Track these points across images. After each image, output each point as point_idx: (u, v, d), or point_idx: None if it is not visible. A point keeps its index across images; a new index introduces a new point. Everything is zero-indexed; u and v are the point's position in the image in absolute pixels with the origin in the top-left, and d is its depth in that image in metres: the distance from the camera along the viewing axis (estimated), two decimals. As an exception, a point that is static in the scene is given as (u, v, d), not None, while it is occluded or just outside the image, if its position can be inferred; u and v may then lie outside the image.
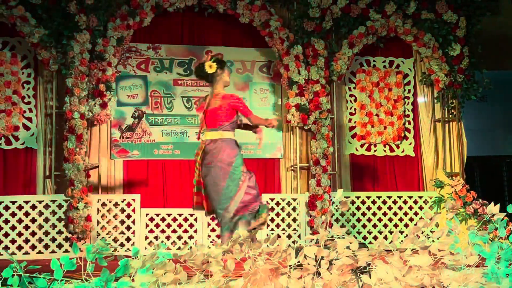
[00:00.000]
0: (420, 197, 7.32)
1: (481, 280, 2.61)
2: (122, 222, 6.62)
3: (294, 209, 6.99)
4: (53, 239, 6.44)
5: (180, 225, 6.78)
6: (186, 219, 6.80)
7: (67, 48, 6.46)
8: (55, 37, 6.48)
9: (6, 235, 6.31)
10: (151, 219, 6.72)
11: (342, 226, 7.12)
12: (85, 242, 6.34)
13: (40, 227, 6.42)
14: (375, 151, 7.59)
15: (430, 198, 7.28)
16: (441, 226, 6.94)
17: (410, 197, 7.29)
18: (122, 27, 6.71)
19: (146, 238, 6.64)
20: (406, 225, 7.18)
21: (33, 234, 6.38)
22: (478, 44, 7.51)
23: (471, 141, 7.82)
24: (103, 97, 6.60)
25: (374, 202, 7.19)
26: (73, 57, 6.45)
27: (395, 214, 7.23)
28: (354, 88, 7.62)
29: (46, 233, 6.43)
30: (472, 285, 2.58)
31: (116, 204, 6.62)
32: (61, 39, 6.49)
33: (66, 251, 6.36)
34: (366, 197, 7.20)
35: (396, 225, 7.22)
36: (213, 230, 6.82)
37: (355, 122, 7.57)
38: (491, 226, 3.30)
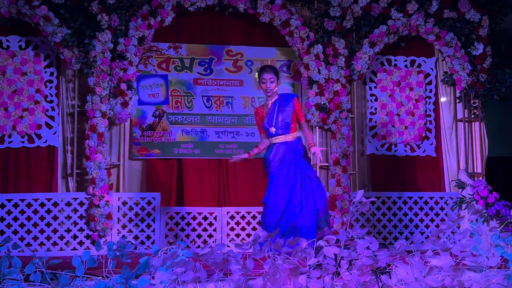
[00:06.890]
0: (442, 198, 7.25)
1: (503, 282, 2.58)
2: (143, 220, 6.67)
3: (313, 208, 6.96)
4: (75, 237, 6.51)
5: (199, 224, 6.80)
6: (205, 218, 6.82)
7: (89, 48, 6.53)
8: (78, 37, 6.55)
9: (28, 232, 6.40)
10: (171, 218, 6.76)
11: (362, 226, 7.09)
12: (106, 240, 6.40)
13: (62, 224, 6.51)
14: (395, 151, 7.53)
15: (452, 199, 7.21)
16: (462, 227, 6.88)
17: (431, 198, 7.22)
18: (143, 26, 6.76)
19: (166, 236, 6.68)
20: (427, 226, 7.12)
21: (55, 231, 6.46)
22: (501, 43, 7.42)
23: (494, 142, 7.71)
24: (124, 96, 6.66)
25: (394, 203, 7.14)
26: (95, 56, 6.52)
27: (416, 214, 7.16)
28: (375, 87, 7.56)
29: (68, 231, 6.50)
30: (494, 287, 2.55)
31: (136, 202, 6.67)
32: (83, 38, 6.56)
33: (87, 248, 6.43)
34: (387, 197, 7.15)
35: (417, 226, 7.16)
36: (232, 229, 6.84)
37: (375, 121, 7.52)
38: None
